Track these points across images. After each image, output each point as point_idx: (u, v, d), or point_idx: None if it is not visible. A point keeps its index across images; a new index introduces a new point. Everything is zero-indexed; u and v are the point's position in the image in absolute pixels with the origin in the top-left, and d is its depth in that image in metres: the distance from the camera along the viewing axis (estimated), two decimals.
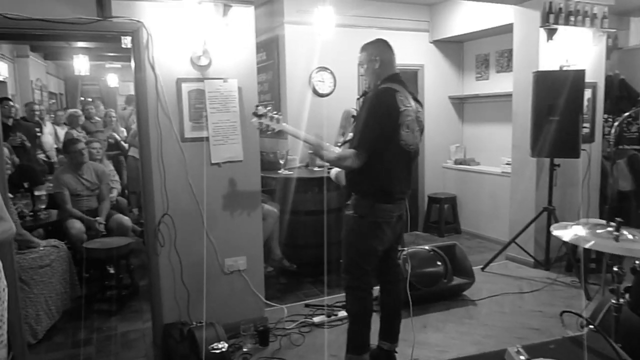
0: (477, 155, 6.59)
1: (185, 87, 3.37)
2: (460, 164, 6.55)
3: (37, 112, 6.64)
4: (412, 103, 2.80)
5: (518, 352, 1.64)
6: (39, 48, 9.18)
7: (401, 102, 2.71)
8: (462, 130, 6.83)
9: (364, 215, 2.79)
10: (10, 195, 3.77)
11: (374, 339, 3.09)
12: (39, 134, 6.39)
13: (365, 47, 2.93)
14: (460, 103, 6.78)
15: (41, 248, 3.78)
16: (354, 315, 2.93)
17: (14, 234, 2.00)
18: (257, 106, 3.07)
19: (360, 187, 2.83)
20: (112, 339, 3.69)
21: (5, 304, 2.02)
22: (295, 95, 5.64)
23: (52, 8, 3.02)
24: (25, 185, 4.48)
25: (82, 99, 11.88)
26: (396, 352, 3.14)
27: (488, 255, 5.10)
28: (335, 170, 3.18)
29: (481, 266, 4.93)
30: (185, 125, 3.39)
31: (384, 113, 2.68)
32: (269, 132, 3.11)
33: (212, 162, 3.49)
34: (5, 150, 3.94)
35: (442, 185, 6.71)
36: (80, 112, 7.12)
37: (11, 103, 5.92)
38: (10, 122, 5.56)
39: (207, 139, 3.46)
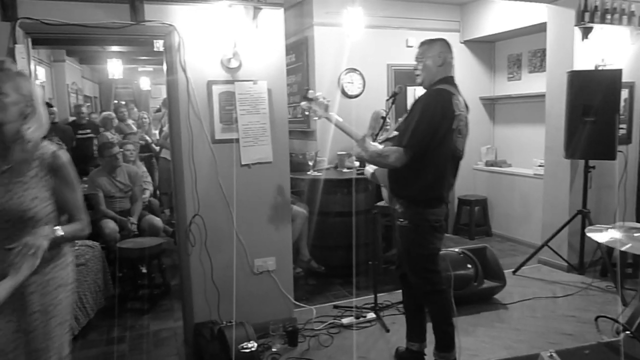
0: (508, 156, 6.48)
1: (216, 89, 3.41)
2: (492, 165, 6.45)
3: (84, 114, 6.93)
4: (464, 108, 2.77)
5: (551, 357, 1.60)
6: (75, 52, 9.43)
7: (456, 105, 2.67)
8: (493, 132, 6.72)
9: (419, 224, 2.77)
10: None
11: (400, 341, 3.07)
12: (89, 135, 6.68)
13: (430, 43, 2.85)
14: (491, 104, 6.68)
15: (76, 247, 3.88)
16: (441, 317, 2.90)
17: (86, 235, 2.04)
18: (308, 89, 3.05)
19: (409, 193, 2.78)
20: (145, 337, 3.77)
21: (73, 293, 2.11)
22: (324, 96, 5.63)
23: (88, 13, 3.10)
24: None
25: (116, 101, 12.15)
26: (425, 355, 3.13)
27: (520, 259, 5.00)
28: (371, 168, 3.09)
29: (512, 269, 4.84)
30: (215, 127, 3.44)
31: (440, 115, 2.62)
32: (315, 119, 3.08)
33: (242, 163, 3.52)
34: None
35: (472, 187, 6.61)
36: (113, 115, 7.30)
37: (54, 109, 6.14)
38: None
39: (237, 140, 3.49)
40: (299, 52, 5.96)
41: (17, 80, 1.86)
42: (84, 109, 7.14)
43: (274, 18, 3.53)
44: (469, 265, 4.09)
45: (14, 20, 2.96)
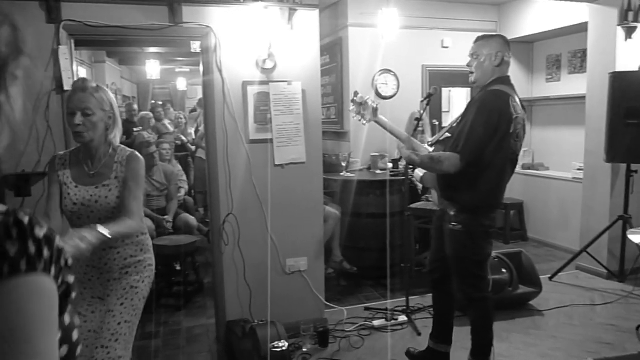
0: (546, 160, 6.33)
1: (251, 90, 3.45)
2: (528, 168, 6.30)
3: (135, 112, 7.15)
4: (522, 110, 2.64)
5: None
6: (115, 54, 9.67)
7: (514, 108, 2.55)
8: (531, 134, 6.57)
9: (474, 229, 2.68)
10: None
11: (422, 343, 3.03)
12: (135, 132, 6.85)
13: (486, 39, 2.71)
14: (529, 106, 6.54)
15: None
16: (483, 324, 2.84)
17: (137, 231, 2.13)
18: (357, 93, 3.02)
19: (465, 199, 2.68)
20: (178, 333, 3.83)
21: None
22: None
23: (128, 15, 3.18)
24: None
25: (153, 102, 12.40)
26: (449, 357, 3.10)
27: (557, 265, 4.88)
28: (420, 172, 2.97)
29: (549, 275, 4.73)
30: (250, 127, 3.47)
31: (497, 118, 2.51)
32: (364, 123, 3.04)
33: (276, 163, 3.55)
34: None
35: (508, 190, 6.43)
36: (151, 115, 7.46)
37: None
38: None
39: (271, 140, 3.52)
40: (333, 53, 5.97)
41: (99, 96, 2.04)
42: (135, 106, 7.36)
43: (309, 19, 3.54)
44: (504, 270, 4.02)
45: (58, 23, 3.06)
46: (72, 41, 3.18)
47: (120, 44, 4.92)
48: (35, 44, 3.04)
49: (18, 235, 0.65)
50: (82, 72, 7.76)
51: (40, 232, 0.68)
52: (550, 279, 4.71)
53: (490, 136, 2.51)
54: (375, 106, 2.90)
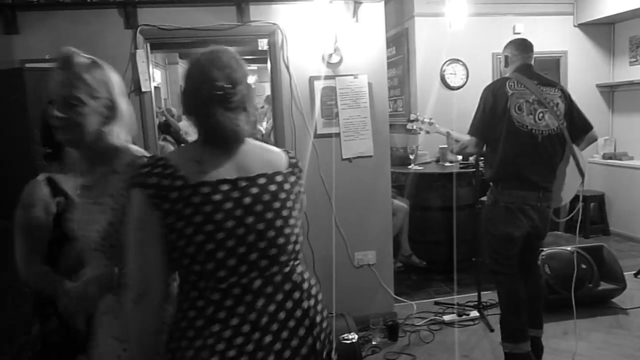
0: (630, 148, 5.93)
1: (318, 85, 3.48)
2: (610, 158, 5.93)
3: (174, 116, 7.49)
4: (533, 87, 2.81)
5: None
6: (187, 55, 10.02)
7: (510, 87, 2.81)
8: (612, 122, 6.19)
9: (496, 201, 2.87)
10: None
11: None
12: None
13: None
14: (609, 91, 6.15)
15: None
16: (502, 301, 2.97)
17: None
18: (411, 114, 3.32)
19: (487, 172, 2.96)
20: None
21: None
22: (425, 89, 5.54)
23: (198, 17, 3.30)
24: None
25: None
26: (541, 339, 3.04)
27: None
28: None
29: (634, 272, 4.44)
30: (317, 122, 3.51)
31: (491, 98, 2.83)
32: (428, 133, 3.33)
33: (343, 157, 3.56)
34: (172, 148, 4.41)
35: (587, 181, 6.09)
36: None
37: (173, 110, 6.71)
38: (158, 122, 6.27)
39: (338, 134, 3.54)
40: (399, 44, 5.89)
41: (91, 79, 1.44)
42: (174, 110, 7.73)
43: (374, 11, 3.52)
44: (583, 266, 3.81)
45: (135, 28, 3.23)
46: (148, 45, 3.34)
47: (191, 45, 5.09)
48: (115, 49, 3.23)
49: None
50: (157, 74, 8.14)
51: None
52: (636, 275, 4.42)
53: (490, 114, 2.82)
54: (428, 121, 3.17)
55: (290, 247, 1.35)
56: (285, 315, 1.30)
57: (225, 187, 1.26)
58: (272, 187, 1.33)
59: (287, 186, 1.37)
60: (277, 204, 1.32)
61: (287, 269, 1.35)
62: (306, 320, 1.33)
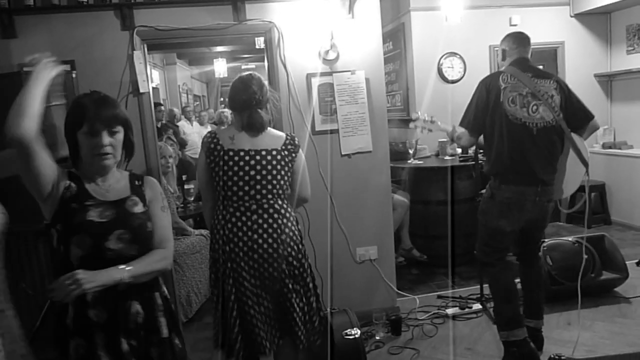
0: (629, 137, 5.93)
1: (315, 82, 3.48)
2: (609, 147, 5.93)
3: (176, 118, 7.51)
4: (527, 80, 2.81)
5: None
6: (184, 55, 10.07)
7: (503, 80, 2.83)
8: (611, 111, 6.19)
9: (493, 195, 2.89)
10: (171, 190, 4.20)
11: None
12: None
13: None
14: (607, 81, 6.15)
15: (195, 234, 4.17)
16: (493, 291, 3.04)
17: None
18: (412, 113, 3.27)
19: (487, 167, 2.97)
20: None
21: None
22: (423, 83, 5.55)
23: (195, 17, 3.31)
24: (184, 177, 4.94)
25: (222, 99, 12.78)
26: (542, 332, 3.07)
27: None
28: None
29: (636, 261, 4.44)
30: (315, 119, 3.51)
31: (484, 92, 2.85)
32: (431, 132, 3.25)
33: (342, 153, 3.57)
34: (171, 149, 4.41)
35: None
36: (228, 112, 7.71)
37: (162, 108, 6.64)
38: (159, 124, 6.23)
39: (337, 131, 3.54)
40: (396, 39, 5.89)
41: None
42: (176, 110, 7.71)
43: (370, 7, 3.52)
44: (585, 256, 3.81)
45: (132, 29, 3.24)
46: (145, 46, 3.34)
47: (188, 45, 5.12)
48: (112, 51, 3.24)
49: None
50: (155, 75, 8.14)
51: None
52: (638, 264, 4.42)
53: (482, 107, 2.84)
54: (430, 119, 3.13)
55: (274, 190, 2.35)
56: (266, 222, 2.33)
57: (241, 154, 2.32)
58: (269, 157, 2.34)
59: (279, 157, 2.37)
60: (269, 167, 2.33)
61: (272, 202, 2.35)
62: (277, 227, 2.34)
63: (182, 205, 4.81)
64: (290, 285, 2.37)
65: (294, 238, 2.40)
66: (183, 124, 7.83)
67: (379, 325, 3.50)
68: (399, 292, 3.92)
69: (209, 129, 7.61)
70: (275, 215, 2.34)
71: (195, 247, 4.06)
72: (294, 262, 2.38)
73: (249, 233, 2.30)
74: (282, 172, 2.36)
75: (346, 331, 2.97)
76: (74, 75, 2.97)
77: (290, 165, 2.41)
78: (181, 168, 5.20)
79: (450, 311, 3.73)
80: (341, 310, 3.18)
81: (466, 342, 3.33)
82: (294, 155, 2.42)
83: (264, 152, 2.33)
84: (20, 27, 3.16)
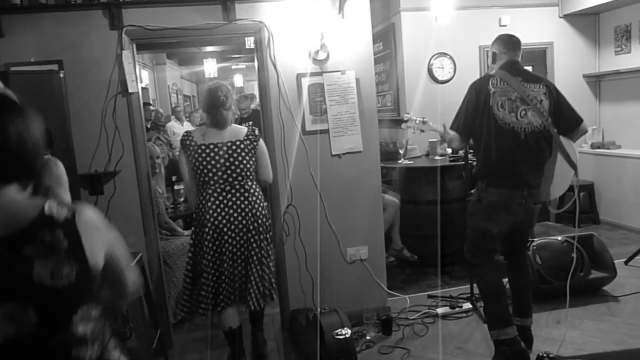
0: (617, 137, 5.98)
1: (305, 82, 3.48)
2: (598, 147, 5.98)
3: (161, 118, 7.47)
4: (516, 84, 2.81)
5: None
6: (174, 55, 10.02)
7: (493, 85, 2.83)
8: (599, 111, 6.24)
9: (480, 197, 2.91)
10: (160, 190, 4.17)
11: None
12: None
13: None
14: (596, 81, 6.20)
15: (185, 235, 4.15)
16: (482, 292, 3.05)
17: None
18: (404, 114, 3.26)
19: (476, 169, 3.01)
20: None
21: None
22: (413, 83, 5.56)
23: (184, 17, 3.29)
24: (173, 178, 4.91)
25: None
26: (531, 330, 3.09)
27: (632, 248, 4.62)
28: None
29: (624, 259, 4.49)
30: (306, 119, 3.51)
31: (474, 96, 2.86)
32: (423, 132, 3.24)
33: (333, 153, 3.57)
34: (158, 149, 4.38)
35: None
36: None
37: (151, 107, 6.59)
38: (149, 124, 6.20)
39: (327, 131, 3.54)
40: (386, 39, 5.90)
41: None
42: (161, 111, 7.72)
43: (360, 7, 3.52)
44: (574, 255, 3.84)
45: (121, 29, 3.21)
46: (134, 45, 3.32)
47: (178, 45, 5.08)
48: (101, 51, 3.21)
49: None
50: (144, 75, 8.09)
51: None
52: (626, 263, 4.47)
53: (472, 111, 2.85)
54: (421, 120, 3.13)
55: (243, 173, 2.89)
56: (239, 199, 2.88)
57: (211, 146, 2.87)
58: (234, 147, 2.88)
59: (242, 146, 2.90)
60: (235, 154, 2.87)
61: (242, 183, 2.90)
62: (248, 205, 2.89)
63: (172, 205, 4.79)
64: (255, 252, 2.94)
65: (263, 212, 2.97)
66: (173, 124, 7.80)
67: (369, 325, 3.50)
68: (390, 291, 3.93)
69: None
70: (246, 194, 2.91)
71: (185, 248, 4.02)
72: (262, 233, 2.96)
73: (226, 209, 2.87)
74: (247, 158, 2.91)
75: (337, 331, 2.97)
76: (61, 75, 2.94)
77: (252, 152, 2.94)
78: (171, 169, 5.18)
79: (440, 310, 3.74)
80: (332, 310, 3.17)
81: (456, 341, 3.34)
82: (255, 144, 2.95)
83: (229, 144, 2.89)
84: (7, 26, 3.13)
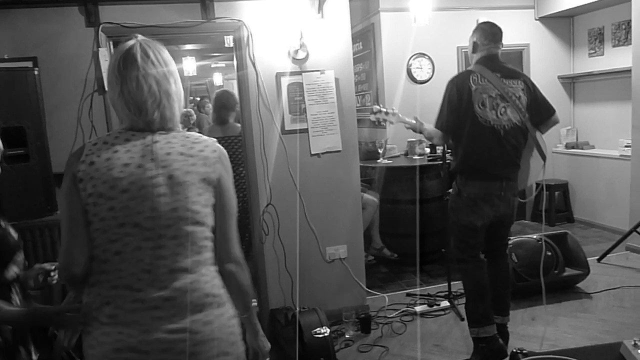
0: (591, 138, 6.11)
1: (284, 81, 3.48)
2: (572, 148, 6.11)
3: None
4: (496, 81, 2.85)
5: (636, 345, 1.48)
6: None
7: (474, 81, 2.85)
8: (573, 112, 6.36)
9: (459, 191, 2.95)
10: None
11: None
12: None
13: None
14: (570, 83, 6.32)
15: None
16: (466, 288, 3.07)
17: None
18: (374, 105, 3.27)
19: (454, 165, 3.03)
20: None
21: None
22: (392, 83, 5.60)
23: (162, 14, 3.26)
24: None
25: (192, 98, 12.61)
26: (507, 327, 3.13)
27: (605, 246, 4.73)
28: None
29: (597, 257, 4.59)
30: (285, 118, 3.51)
31: (455, 93, 2.86)
32: (392, 124, 3.27)
33: (312, 152, 3.57)
34: None
35: (551, 171, 6.29)
36: (192, 112, 7.67)
37: None
38: None
39: (307, 130, 3.54)
40: (365, 39, 5.93)
41: None
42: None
43: (339, 7, 3.53)
44: (549, 253, 3.92)
45: (97, 26, 3.17)
46: (111, 43, 3.27)
47: None
48: (77, 48, 3.16)
49: None
50: None
51: None
52: (599, 260, 4.57)
53: (454, 108, 2.86)
54: (392, 111, 3.16)
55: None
56: None
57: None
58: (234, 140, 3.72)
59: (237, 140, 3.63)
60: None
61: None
62: None
63: None
64: None
65: None
66: None
67: (348, 324, 3.52)
68: (369, 290, 3.95)
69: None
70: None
71: None
72: None
73: None
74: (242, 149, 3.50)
75: (315, 330, 2.98)
76: (36, 73, 2.89)
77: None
78: None
79: (418, 309, 3.78)
80: (311, 309, 3.18)
81: (434, 338, 3.38)
82: None
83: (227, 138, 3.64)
84: None
